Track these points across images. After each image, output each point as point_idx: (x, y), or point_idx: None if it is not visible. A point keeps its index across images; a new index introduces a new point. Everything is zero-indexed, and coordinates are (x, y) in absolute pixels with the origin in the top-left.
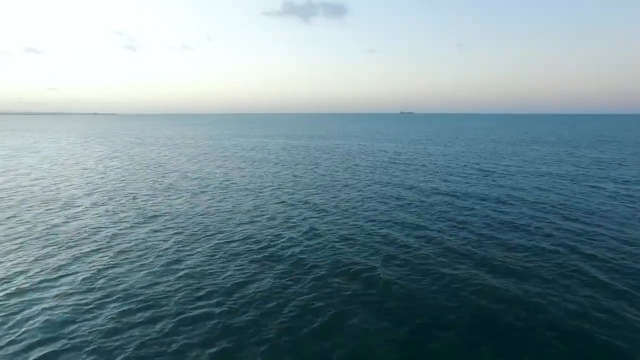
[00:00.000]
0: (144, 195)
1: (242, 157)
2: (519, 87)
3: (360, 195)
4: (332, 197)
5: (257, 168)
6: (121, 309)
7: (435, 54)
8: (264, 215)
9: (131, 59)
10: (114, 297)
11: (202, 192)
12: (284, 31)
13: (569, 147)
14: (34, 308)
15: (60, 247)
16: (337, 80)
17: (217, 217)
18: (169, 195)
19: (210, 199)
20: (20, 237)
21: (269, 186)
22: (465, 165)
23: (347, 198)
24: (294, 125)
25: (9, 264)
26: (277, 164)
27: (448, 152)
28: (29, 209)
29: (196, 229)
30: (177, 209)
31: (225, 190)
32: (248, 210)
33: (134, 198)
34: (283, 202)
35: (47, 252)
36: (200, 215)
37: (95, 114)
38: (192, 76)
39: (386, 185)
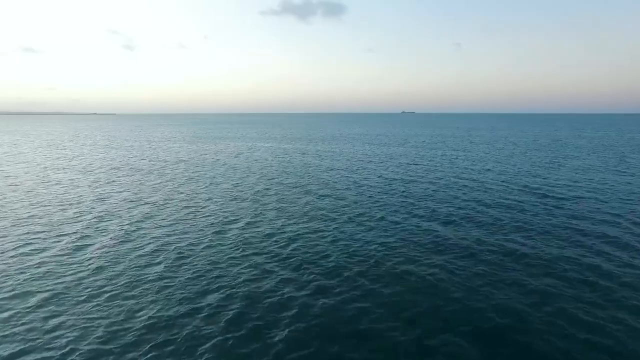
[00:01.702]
0: (39, 232)
1: (213, 167)
2: (518, 87)
3: (367, 242)
4: (319, 252)
5: (220, 186)
6: None
7: (433, 54)
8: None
9: (130, 59)
10: None
11: (96, 235)
12: (283, 30)
13: (612, 152)
14: None
15: None
16: (337, 80)
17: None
18: (57, 241)
19: (100, 257)
20: None
21: (213, 224)
22: (505, 182)
23: (345, 252)
24: (291, 126)
25: None
26: (247, 181)
27: (471, 159)
28: None
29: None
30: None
31: (144, 234)
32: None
33: (25, 238)
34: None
35: None
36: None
37: (95, 113)
38: (191, 76)
39: (403, 226)
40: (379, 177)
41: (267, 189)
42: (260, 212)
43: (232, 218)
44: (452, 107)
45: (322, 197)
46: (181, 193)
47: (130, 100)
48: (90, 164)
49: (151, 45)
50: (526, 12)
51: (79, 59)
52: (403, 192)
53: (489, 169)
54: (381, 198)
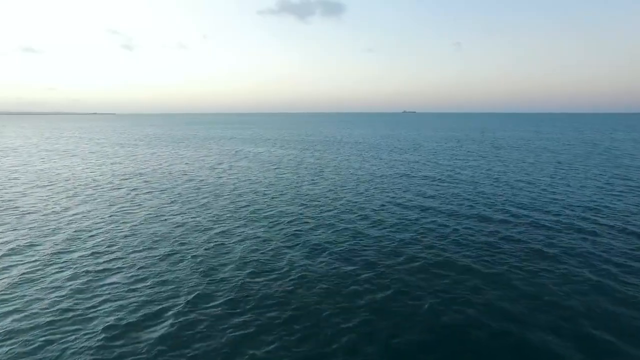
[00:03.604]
0: None
1: (176, 184)
2: (518, 87)
3: None
4: None
5: (168, 219)
6: None
7: (433, 54)
8: None
9: (130, 59)
10: None
11: None
12: (282, 30)
13: None
14: None
15: None
16: (337, 80)
17: None
18: None
19: None
20: None
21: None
22: (597, 223)
23: None
24: (290, 127)
25: None
26: (214, 209)
27: (513, 171)
28: None
29: None
30: None
31: None
32: None
33: None
34: None
35: None
36: None
37: (95, 113)
38: (191, 76)
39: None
40: (405, 208)
41: (241, 226)
42: (215, 273)
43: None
44: (452, 106)
45: (316, 247)
46: (102, 228)
47: (130, 100)
48: (19, 177)
49: (151, 45)
50: (526, 12)
51: (79, 59)
52: (451, 238)
53: (552, 192)
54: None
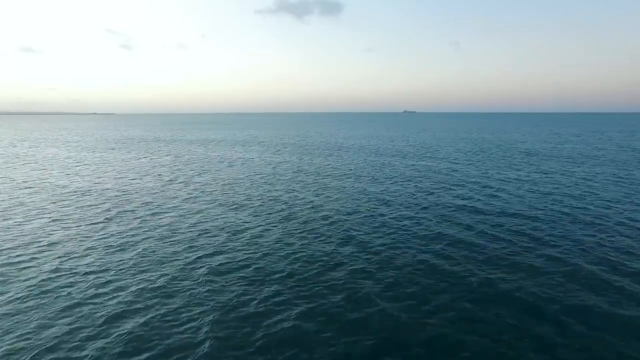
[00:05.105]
0: None
1: (127, 205)
2: (518, 87)
3: None
4: None
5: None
6: None
7: (433, 54)
8: None
9: (130, 59)
10: None
11: None
12: (282, 30)
13: None
14: None
15: None
16: (337, 80)
17: None
18: None
19: None
20: None
21: None
22: None
23: None
24: (289, 127)
25: None
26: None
27: (579, 198)
28: None
29: None
30: None
31: None
32: None
33: None
34: None
35: None
36: None
37: (95, 113)
38: (191, 76)
39: None
40: (438, 271)
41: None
42: None
43: None
44: (452, 106)
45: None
46: None
47: (130, 100)
48: None
49: (150, 45)
50: (526, 12)
51: (79, 59)
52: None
53: None
54: None
